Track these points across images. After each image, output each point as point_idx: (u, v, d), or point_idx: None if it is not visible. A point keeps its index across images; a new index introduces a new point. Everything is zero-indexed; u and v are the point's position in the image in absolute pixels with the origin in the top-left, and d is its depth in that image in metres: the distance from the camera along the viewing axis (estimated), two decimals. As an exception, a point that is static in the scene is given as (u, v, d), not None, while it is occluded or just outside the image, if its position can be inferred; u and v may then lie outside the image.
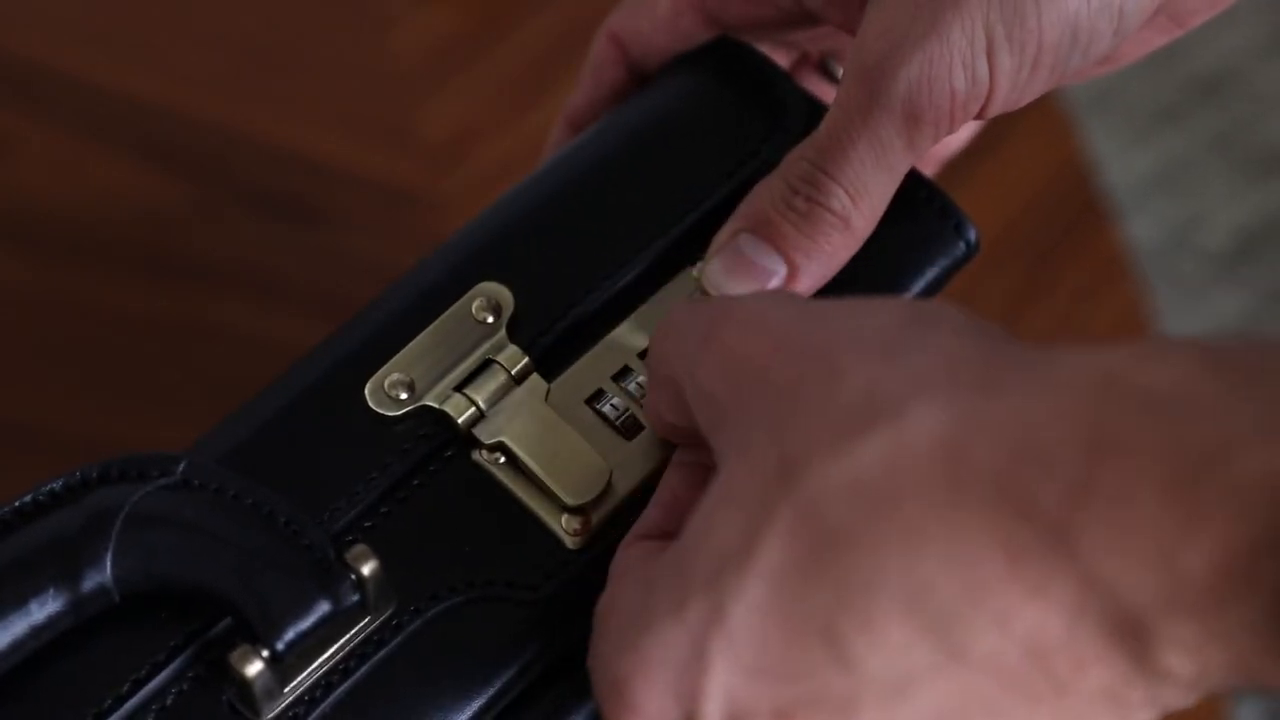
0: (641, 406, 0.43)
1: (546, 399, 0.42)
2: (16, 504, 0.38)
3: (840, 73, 0.51)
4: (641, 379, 0.43)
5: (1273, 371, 0.30)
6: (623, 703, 0.36)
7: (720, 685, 0.34)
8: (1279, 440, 0.29)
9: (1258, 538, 0.29)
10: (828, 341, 0.35)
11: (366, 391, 0.42)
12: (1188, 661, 0.30)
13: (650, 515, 0.40)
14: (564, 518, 0.41)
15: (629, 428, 0.42)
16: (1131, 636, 0.31)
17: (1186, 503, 0.29)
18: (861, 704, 0.33)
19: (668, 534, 0.39)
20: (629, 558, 0.39)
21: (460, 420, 0.42)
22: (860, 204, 0.43)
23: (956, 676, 0.32)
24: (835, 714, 0.33)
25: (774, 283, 0.43)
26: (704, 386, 0.37)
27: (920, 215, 0.45)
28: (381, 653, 0.40)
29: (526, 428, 0.42)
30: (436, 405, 0.42)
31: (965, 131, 0.50)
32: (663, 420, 0.40)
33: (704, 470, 0.40)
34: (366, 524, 0.41)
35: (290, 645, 0.38)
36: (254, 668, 0.37)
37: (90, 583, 0.38)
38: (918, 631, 0.32)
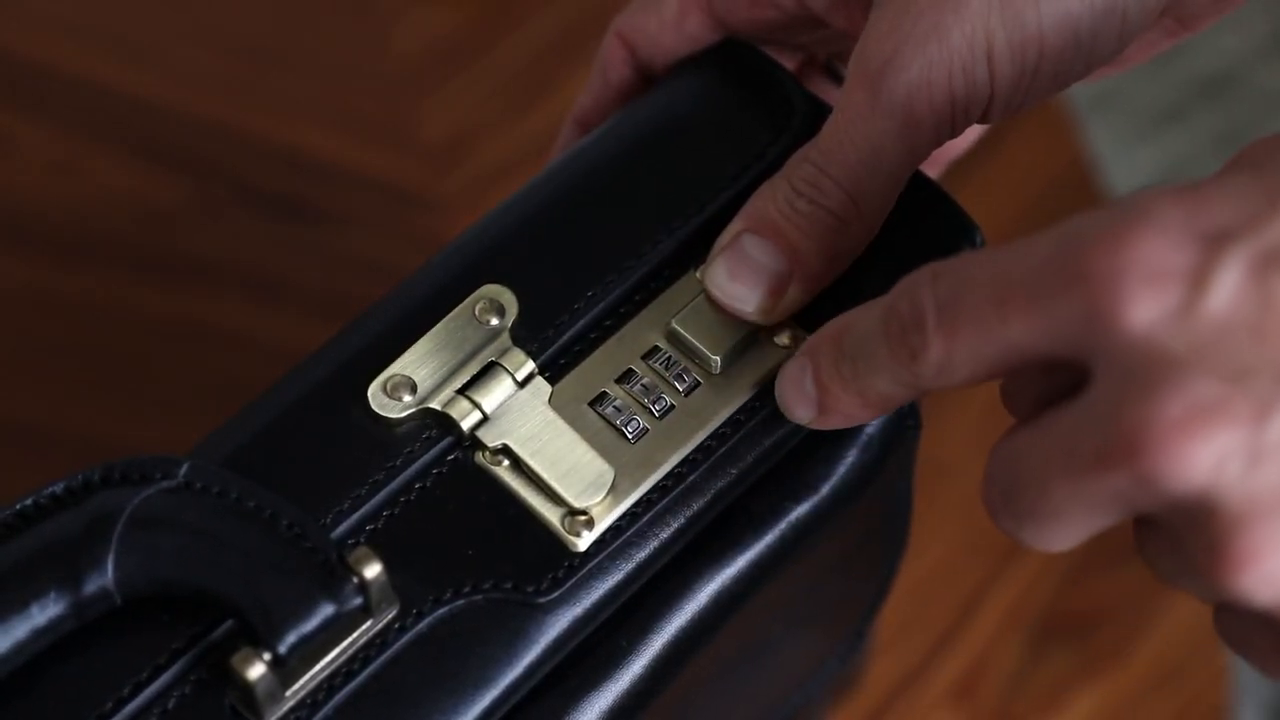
0: (645, 409, 0.43)
1: (550, 402, 0.42)
2: (18, 506, 0.38)
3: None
4: (646, 381, 0.43)
5: None
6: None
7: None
8: None
9: None
10: None
11: (369, 393, 0.42)
12: None
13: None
14: (568, 520, 0.41)
15: (632, 430, 0.42)
16: None
17: None
18: None
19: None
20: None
21: (463, 423, 0.42)
22: (862, 207, 0.42)
23: None
24: None
25: (776, 284, 0.43)
26: None
27: (924, 216, 0.45)
28: (385, 655, 0.39)
29: (530, 431, 0.42)
30: (439, 408, 0.42)
31: (971, 133, 0.50)
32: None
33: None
34: (370, 526, 0.41)
35: (293, 648, 0.37)
36: (256, 671, 0.37)
37: (92, 585, 0.37)
38: None
